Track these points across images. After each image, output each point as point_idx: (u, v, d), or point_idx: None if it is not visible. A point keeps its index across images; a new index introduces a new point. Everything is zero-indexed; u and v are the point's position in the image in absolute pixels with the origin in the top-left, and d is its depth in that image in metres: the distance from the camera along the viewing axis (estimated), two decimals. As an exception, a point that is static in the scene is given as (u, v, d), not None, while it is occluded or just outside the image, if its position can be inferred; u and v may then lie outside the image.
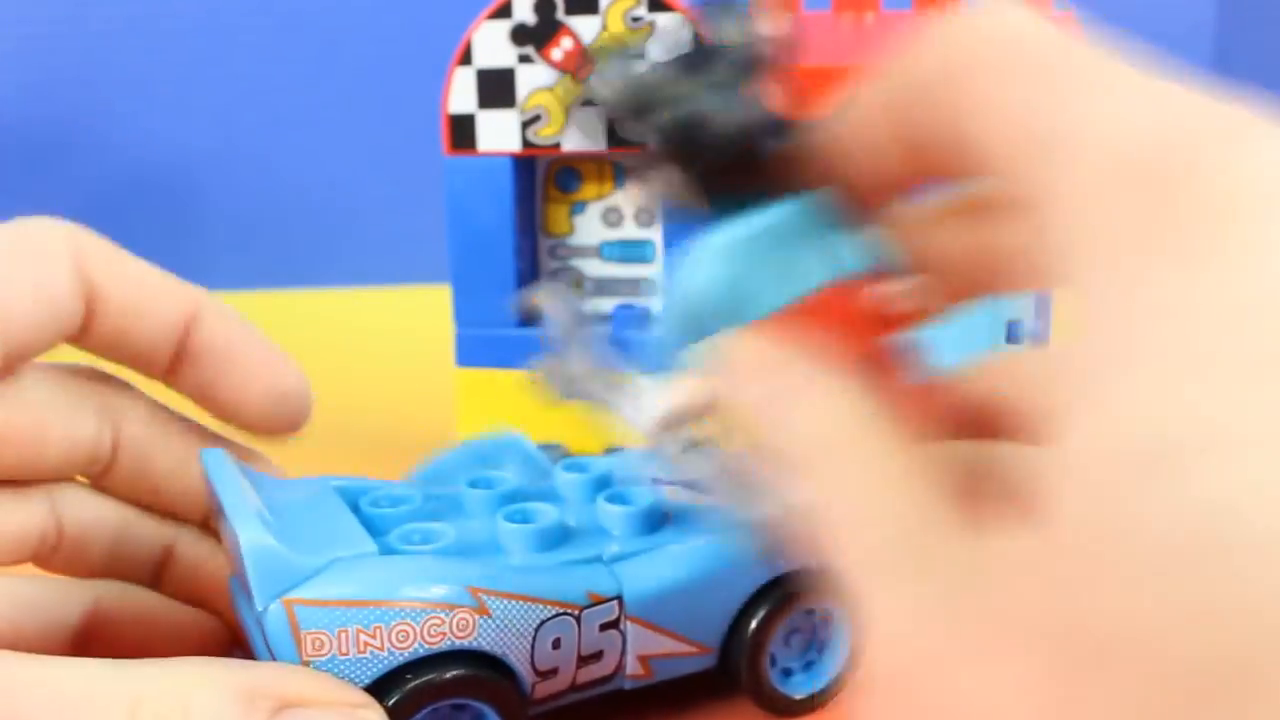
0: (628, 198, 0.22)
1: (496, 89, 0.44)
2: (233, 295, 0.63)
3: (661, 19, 0.42)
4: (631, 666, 0.26)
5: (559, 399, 0.24)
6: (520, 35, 0.44)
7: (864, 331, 0.20)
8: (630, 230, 0.46)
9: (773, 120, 0.20)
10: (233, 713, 0.19)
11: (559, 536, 0.26)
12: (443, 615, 0.23)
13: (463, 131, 0.45)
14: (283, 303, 0.66)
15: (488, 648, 0.23)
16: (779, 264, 0.19)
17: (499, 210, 0.45)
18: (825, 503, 0.16)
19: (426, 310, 0.52)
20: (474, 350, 0.46)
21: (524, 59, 0.44)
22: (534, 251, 0.47)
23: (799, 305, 0.19)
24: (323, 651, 0.22)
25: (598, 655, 0.25)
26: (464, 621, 0.23)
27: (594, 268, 0.47)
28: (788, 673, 0.29)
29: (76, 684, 0.19)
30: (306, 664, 0.22)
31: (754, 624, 0.26)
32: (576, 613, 0.24)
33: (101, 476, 0.28)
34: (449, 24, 0.45)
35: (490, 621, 0.23)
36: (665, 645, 0.25)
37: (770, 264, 0.19)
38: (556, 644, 0.24)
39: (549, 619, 0.24)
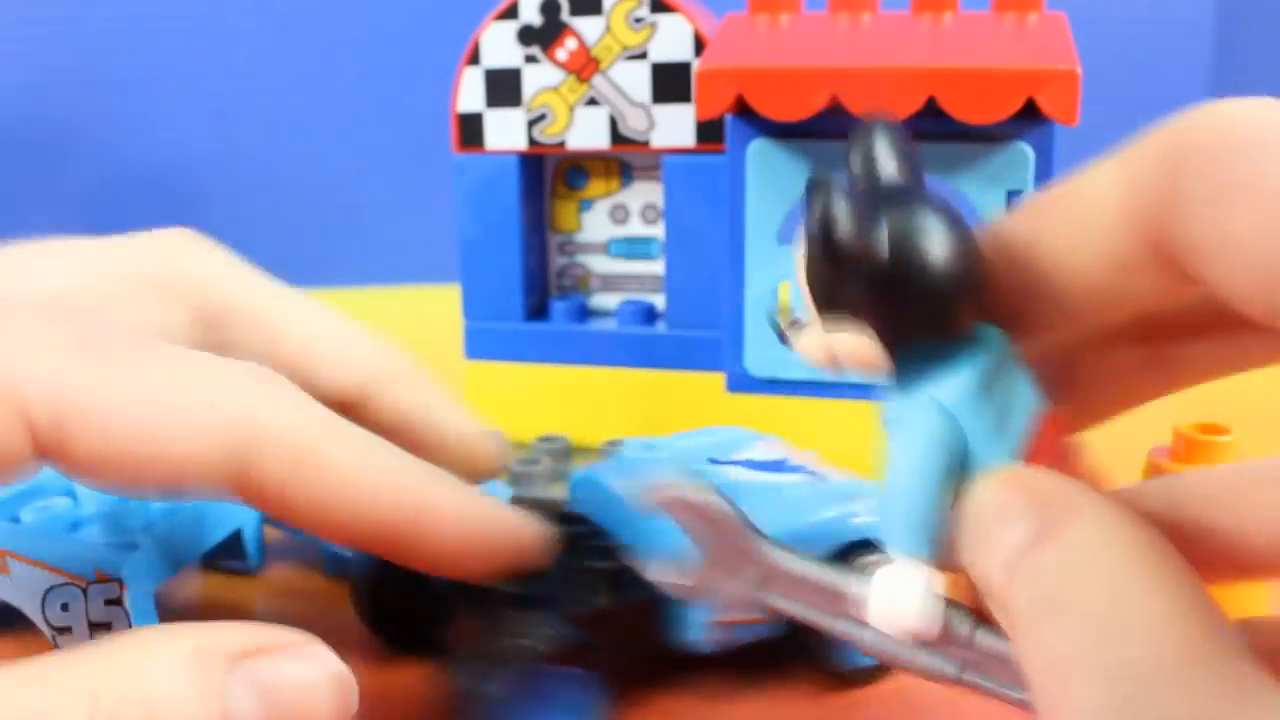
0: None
1: (503, 88, 0.45)
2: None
3: (663, 20, 0.43)
4: None
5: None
6: (526, 36, 0.44)
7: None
8: (637, 227, 0.47)
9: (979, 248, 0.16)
10: (188, 682, 0.18)
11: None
12: None
13: (471, 130, 0.45)
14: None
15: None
16: (995, 413, 0.17)
17: (506, 206, 0.45)
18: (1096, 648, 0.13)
19: (434, 309, 0.52)
20: (482, 343, 0.47)
21: (530, 59, 0.44)
22: (542, 247, 0.48)
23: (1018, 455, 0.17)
24: None
25: (106, 625, 0.27)
26: None
27: (601, 264, 0.48)
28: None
29: (31, 691, 0.18)
30: None
31: None
32: (84, 585, 0.27)
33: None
34: (456, 25, 0.46)
35: (7, 579, 0.27)
36: None
37: (986, 415, 0.17)
38: (65, 607, 0.27)
39: (57, 585, 0.27)
